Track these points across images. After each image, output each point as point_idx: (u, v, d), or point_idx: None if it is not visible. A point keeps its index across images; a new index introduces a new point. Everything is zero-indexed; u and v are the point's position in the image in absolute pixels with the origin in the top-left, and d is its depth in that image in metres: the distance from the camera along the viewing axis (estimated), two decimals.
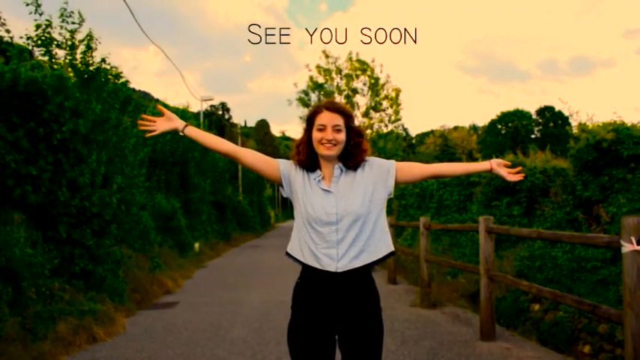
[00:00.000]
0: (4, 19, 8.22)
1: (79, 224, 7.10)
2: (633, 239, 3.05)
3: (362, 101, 30.04)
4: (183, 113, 17.04)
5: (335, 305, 2.10)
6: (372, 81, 29.72)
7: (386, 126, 29.83)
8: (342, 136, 2.14)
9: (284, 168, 2.24)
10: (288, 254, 2.23)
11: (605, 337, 5.74)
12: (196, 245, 14.96)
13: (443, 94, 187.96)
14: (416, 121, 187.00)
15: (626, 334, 3.12)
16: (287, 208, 69.14)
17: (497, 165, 2.30)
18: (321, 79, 30.09)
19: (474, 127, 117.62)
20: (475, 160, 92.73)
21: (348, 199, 2.11)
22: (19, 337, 4.77)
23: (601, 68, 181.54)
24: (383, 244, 2.15)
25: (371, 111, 29.83)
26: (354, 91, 29.87)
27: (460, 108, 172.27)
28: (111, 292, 6.94)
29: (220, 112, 52.09)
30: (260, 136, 74.99)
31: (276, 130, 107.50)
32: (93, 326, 5.49)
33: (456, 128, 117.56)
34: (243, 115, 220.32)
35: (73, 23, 8.56)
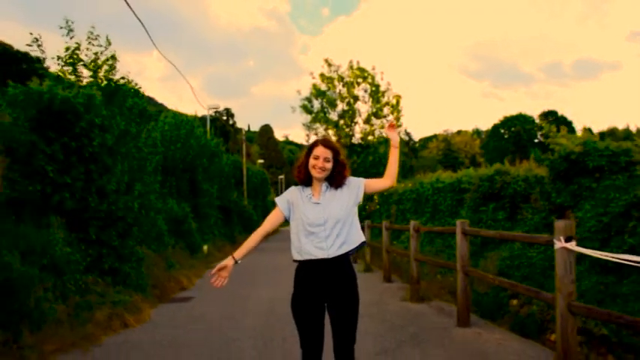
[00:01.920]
0: (41, 41, 9.16)
1: (106, 227, 8.03)
2: (562, 238, 3.93)
3: (363, 108, 31.00)
4: (192, 123, 17.91)
5: (324, 281, 3.00)
6: (373, 88, 30.66)
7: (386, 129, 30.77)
8: (329, 165, 3.05)
9: (284, 206, 3.18)
10: (294, 260, 3.13)
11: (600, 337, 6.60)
12: (205, 247, 15.87)
13: (446, 98, 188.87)
14: (419, 126, 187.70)
15: (557, 312, 4.01)
16: None
17: (389, 133, 3.33)
18: (323, 87, 31.07)
19: (478, 132, 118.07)
20: (479, 164, 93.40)
21: (331, 208, 3.02)
22: (66, 321, 5.68)
23: (606, 71, 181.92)
24: (357, 237, 3.07)
25: (372, 118, 30.76)
26: (356, 99, 30.81)
27: (463, 112, 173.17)
28: (135, 287, 7.86)
29: (225, 118, 53.00)
30: (264, 141, 75.93)
31: (279, 135, 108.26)
32: (124, 314, 6.40)
33: (459, 132, 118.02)
34: (246, 120, 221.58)
35: (100, 46, 9.52)
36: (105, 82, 9.61)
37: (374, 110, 30.79)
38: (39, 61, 9.64)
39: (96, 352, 5.27)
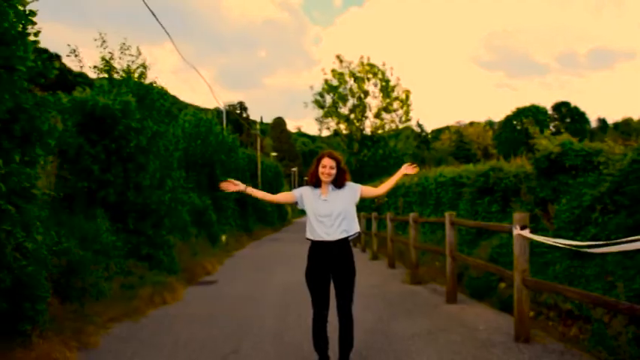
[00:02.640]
0: (78, 52, 10.33)
1: (141, 218, 9.20)
2: (518, 227, 4.97)
3: (373, 103, 32.02)
4: (210, 120, 19.02)
5: (330, 257, 4.07)
6: (384, 83, 31.64)
7: (397, 127, 31.78)
8: (334, 172, 4.12)
9: (298, 195, 4.26)
10: (307, 238, 4.21)
11: (545, 304, 7.62)
12: (223, 237, 17.04)
13: (460, 89, 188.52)
14: (432, 117, 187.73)
15: (514, 285, 5.06)
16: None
17: (405, 169, 4.31)
18: (335, 82, 32.10)
19: (490, 123, 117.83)
20: (491, 155, 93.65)
21: (336, 204, 4.09)
22: (117, 297, 6.84)
23: (622, 60, 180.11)
24: (354, 227, 4.15)
25: (382, 112, 31.77)
26: (366, 93, 31.83)
27: (477, 103, 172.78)
28: (168, 270, 9.03)
29: (238, 111, 54.14)
30: (277, 134, 77.06)
31: (292, 126, 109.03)
32: (163, 293, 7.55)
33: (471, 124, 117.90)
34: (258, 111, 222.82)
35: (131, 55, 10.67)
36: (135, 87, 10.74)
37: (384, 105, 31.78)
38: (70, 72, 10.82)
39: (143, 322, 6.42)
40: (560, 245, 4.59)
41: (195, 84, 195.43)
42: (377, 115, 31.82)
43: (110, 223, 8.39)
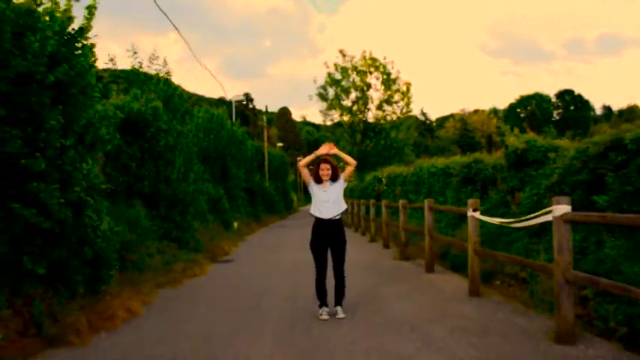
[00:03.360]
0: (115, 60, 11.95)
1: (171, 206, 10.85)
2: (471, 209, 6.58)
3: (375, 95, 33.55)
4: (221, 116, 20.64)
5: (328, 232, 5.71)
6: (385, 77, 33.14)
7: (398, 118, 33.31)
8: (330, 172, 5.74)
9: (311, 183, 5.85)
10: (311, 214, 5.84)
11: (510, 275, 9.21)
12: (235, 224, 18.71)
13: (465, 77, 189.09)
14: (437, 105, 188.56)
15: (468, 254, 6.67)
16: (307, 194, 73.01)
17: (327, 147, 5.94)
18: (338, 76, 33.64)
19: (495, 111, 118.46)
20: (495, 143, 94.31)
21: (332, 193, 5.73)
22: (159, 270, 8.51)
23: (629, 47, 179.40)
24: (343, 207, 5.77)
25: (384, 104, 33.29)
26: (368, 86, 33.35)
27: (482, 90, 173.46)
28: (195, 250, 10.69)
29: (245, 102, 55.64)
30: (282, 124, 78.57)
31: (296, 115, 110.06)
32: (193, 268, 9.23)
33: (476, 112, 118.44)
34: (263, 100, 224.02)
35: (158, 65, 12.29)
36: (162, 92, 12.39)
37: (385, 97, 33.29)
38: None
39: (181, 288, 8.09)
40: (495, 222, 6.21)
41: (199, 73, 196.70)
42: (379, 107, 33.34)
43: (146, 211, 10.04)
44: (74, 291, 6.06)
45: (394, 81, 33.08)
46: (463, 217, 12.64)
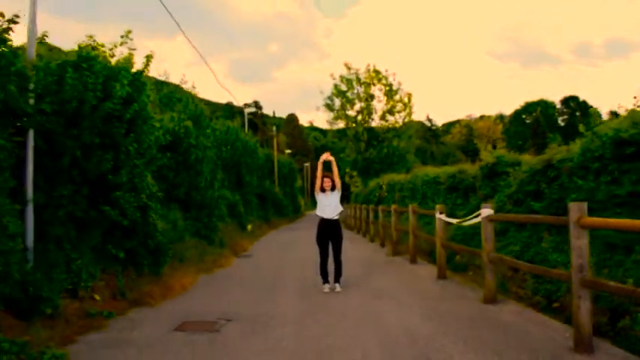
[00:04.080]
0: (168, 76, 14.18)
1: (200, 209, 13.04)
2: (438, 212, 8.72)
3: (378, 106, 35.76)
4: (237, 129, 22.88)
5: (329, 228, 7.89)
6: (387, 88, 35.33)
7: (401, 126, 35.49)
8: (330, 184, 7.94)
9: (318, 193, 8.05)
10: (317, 215, 8.03)
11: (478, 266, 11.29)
12: (249, 226, 20.90)
13: (473, 82, 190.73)
14: (444, 110, 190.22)
15: (436, 248, 8.80)
16: (313, 200, 75.21)
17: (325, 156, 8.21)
18: (343, 87, 35.88)
19: (501, 117, 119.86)
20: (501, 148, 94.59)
21: (332, 199, 7.93)
22: (194, 261, 10.70)
23: (637, 51, 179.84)
24: (340, 208, 7.97)
25: (387, 114, 35.48)
26: (372, 97, 35.57)
27: (490, 95, 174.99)
28: (221, 246, 12.88)
29: (254, 110, 57.84)
30: (290, 130, 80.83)
31: (303, 119, 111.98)
32: (221, 260, 11.41)
33: (482, 117, 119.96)
34: (270, 105, 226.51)
35: (186, 89, 14.52)
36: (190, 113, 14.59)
37: (388, 108, 35.47)
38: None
39: (214, 274, 10.27)
40: (453, 222, 8.36)
41: (207, 77, 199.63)
42: (382, 117, 35.53)
43: (182, 214, 12.24)
44: (141, 271, 8.26)
45: (396, 92, 35.26)
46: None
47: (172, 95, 14.58)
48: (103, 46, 8.19)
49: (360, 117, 35.71)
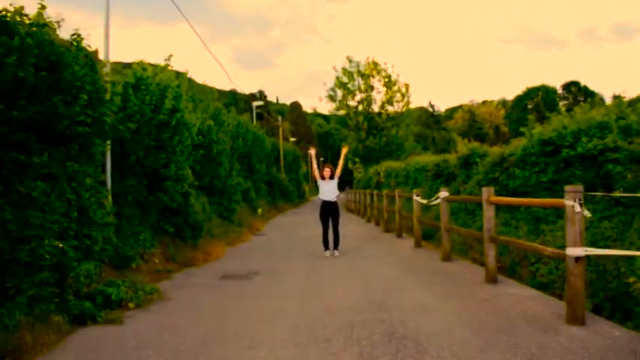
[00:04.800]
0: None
1: (221, 195, 15.58)
2: (415, 195, 11.22)
3: (378, 97, 38.14)
4: (247, 122, 25.33)
5: (328, 207, 10.44)
6: (387, 80, 37.67)
7: (398, 116, 37.92)
8: (330, 172, 10.47)
9: (319, 179, 10.61)
10: (319, 198, 10.57)
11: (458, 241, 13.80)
12: (259, 210, 23.45)
13: (477, 67, 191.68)
14: (448, 95, 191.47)
15: (414, 224, 11.30)
16: (315, 186, 77.87)
17: (343, 151, 10.86)
18: (345, 79, 38.22)
19: (504, 102, 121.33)
20: (502, 133, 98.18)
21: (331, 185, 10.49)
22: (220, 237, 13.25)
23: None
24: (337, 193, 10.54)
25: (386, 105, 37.83)
26: (372, 88, 37.93)
27: (494, 80, 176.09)
28: (239, 226, 15.44)
29: (261, 103, 60.02)
30: (294, 118, 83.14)
31: (307, 105, 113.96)
32: (241, 236, 13.97)
33: (484, 103, 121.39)
34: (274, 90, 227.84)
35: (209, 93, 16.95)
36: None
37: (387, 98, 37.83)
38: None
39: (238, 247, 12.83)
40: (423, 202, 10.85)
41: (208, 63, 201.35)
42: (381, 107, 37.89)
43: (207, 199, 14.78)
44: (185, 242, 10.82)
45: (395, 83, 37.58)
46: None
47: (196, 98, 16.99)
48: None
49: (360, 107, 38.10)
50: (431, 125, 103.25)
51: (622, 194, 7.05)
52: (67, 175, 6.59)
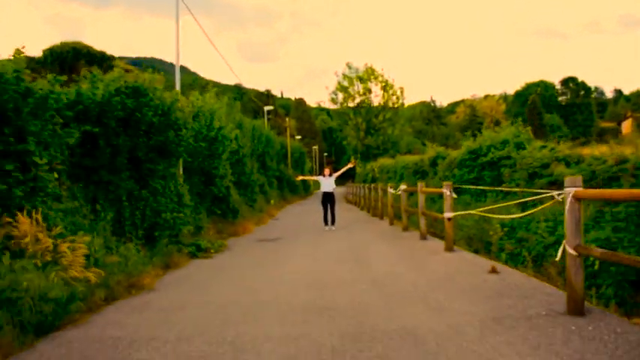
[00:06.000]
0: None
1: (246, 189, 20.48)
2: (388, 187, 16.04)
3: (375, 100, 42.99)
4: (261, 126, 30.18)
5: (327, 197, 15.34)
6: (383, 84, 42.48)
7: (393, 117, 42.81)
8: (329, 171, 15.37)
9: (320, 177, 15.55)
10: (321, 190, 15.48)
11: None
12: (272, 201, 28.33)
13: (480, 61, 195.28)
14: (451, 89, 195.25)
15: (388, 209, 16.12)
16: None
17: (350, 164, 15.81)
18: (345, 83, 43.07)
19: (505, 97, 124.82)
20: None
21: (330, 180, 15.43)
22: (248, 218, 18.14)
23: None
24: (334, 186, 15.47)
25: (382, 104, 42.64)
26: (369, 91, 42.79)
27: (497, 74, 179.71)
28: (260, 212, 20.35)
29: (271, 108, 64.65)
30: (299, 114, 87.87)
31: (312, 100, 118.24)
32: (263, 219, 18.85)
33: (486, 97, 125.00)
34: (278, 84, 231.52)
35: (234, 108, 21.82)
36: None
37: (384, 101, 42.66)
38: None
39: (261, 226, 17.72)
40: (392, 192, 15.67)
41: (211, 57, 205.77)
42: (378, 109, 42.72)
43: (237, 191, 19.65)
44: (227, 221, 15.70)
45: (391, 86, 42.38)
46: (413, 193, 22.13)
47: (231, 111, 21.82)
48: None
49: (360, 109, 43.01)
50: (432, 120, 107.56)
51: (482, 187, 11.84)
52: (171, 176, 11.46)
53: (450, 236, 9.63)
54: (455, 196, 9.60)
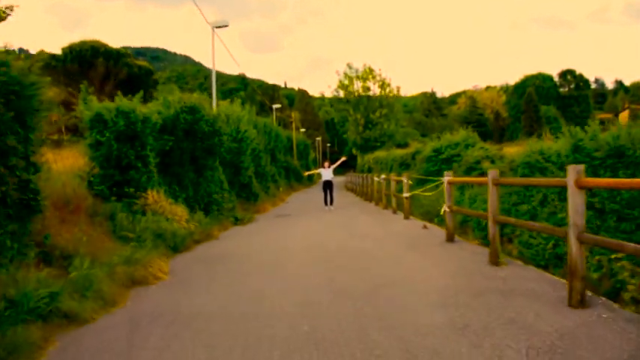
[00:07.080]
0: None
1: (262, 177, 25.53)
2: (378, 177, 20.99)
3: (373, 98, 47.83)
4: (271, 124, 35.16)
5: (327, 184, 20.38)
6: (381, 83, 47.31)
7: (388, 112, 47.74)
8: (328, 164, 20.44)
9: (320, 169, 20.66)
10: (321, 179, 20.58)
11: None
12: (281, 189, 33.33)
13: (484, 51, 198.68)
14: (454, 80, 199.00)
15: (374, 193, 21.08)
16: None
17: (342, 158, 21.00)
18: (346, 82, 47.91)
19: (506, 88, 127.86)
20: (503, 119, 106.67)
21: (328, 171, 20.52)
22: (264, 201, 23.18)
23: None
24: (332, 176, 20.55)
25: (378, 103, 47.51)
26: (368, 89, 47.65)
27: (500, 65, 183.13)
28: (273, 197, 25.40)
29: (279, 105, 69.57)
30: (302, 106, 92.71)
31: (315, 90, 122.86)
32: (276, 202, 23.88)
33: (487, 88, 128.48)
34: (281, 75, 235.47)
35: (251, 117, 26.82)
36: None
37: (380, 95, 47.53)
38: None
39: (276, 207, 22.76)
40: (377, 180, 20.60)
41: (216, 47, 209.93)
42: (375, 107, 47.61)
43: (257, 180, 24.66)
44: (250, 202, 20.73)
45: (388, 85, 47.27)
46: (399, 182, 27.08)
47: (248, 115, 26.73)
48: None
49: (361, 106, 47.88)
50: (432, 111, 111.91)
51: (424, 177, 16.77)
52: (216, 169, 16.47)
53: (407, 209, 14.59)
54: (410, 182, 14.52)
